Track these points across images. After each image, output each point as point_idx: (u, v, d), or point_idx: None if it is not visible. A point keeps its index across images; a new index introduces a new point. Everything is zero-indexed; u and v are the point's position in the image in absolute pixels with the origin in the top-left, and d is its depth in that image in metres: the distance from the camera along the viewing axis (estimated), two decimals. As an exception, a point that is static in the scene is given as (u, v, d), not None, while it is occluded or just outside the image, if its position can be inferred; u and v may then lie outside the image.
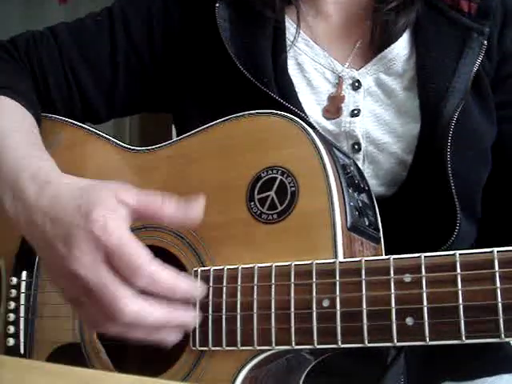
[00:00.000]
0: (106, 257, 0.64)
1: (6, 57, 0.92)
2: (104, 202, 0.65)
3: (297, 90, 0.87)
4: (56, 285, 0.72)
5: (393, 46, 0.86)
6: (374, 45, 0.87)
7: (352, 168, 0.76)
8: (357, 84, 0.87)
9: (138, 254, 0.64)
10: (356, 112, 0.86)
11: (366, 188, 0.78)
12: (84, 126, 0.90)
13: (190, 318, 0.69)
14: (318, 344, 0.64)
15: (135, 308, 0.64)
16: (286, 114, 0.74)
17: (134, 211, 0.67)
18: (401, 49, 0.87)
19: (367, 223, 0.74)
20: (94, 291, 0.64)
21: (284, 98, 0.83)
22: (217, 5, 0.87)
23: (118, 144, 0.86)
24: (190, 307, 0.69)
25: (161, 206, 0.67)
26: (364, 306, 0.63)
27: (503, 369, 0.89)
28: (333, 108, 0.87)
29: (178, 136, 0.85)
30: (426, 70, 0.84)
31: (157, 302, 0.65)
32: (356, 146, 0.85)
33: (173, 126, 2.19)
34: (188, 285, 0.67)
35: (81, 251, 0.64)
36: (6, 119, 0.81)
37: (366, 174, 0.83)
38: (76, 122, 0.90)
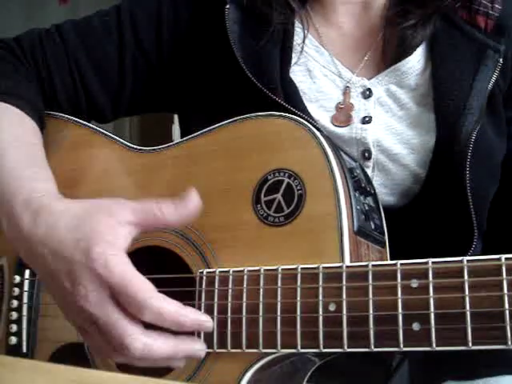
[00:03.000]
0: (111, 293, 0.65)
1: (10, 57, 0.91)
2: (102, 234, 0.65)
3: (305, 96, 0.87)
4: (61, 310, 0.72)
5: (407, 59, 0.86)
6: (387, 56, 0.87)
7: (358, 171, 0.76)
8: (368, 92, 0.87)
9: (142, 290, 0.64)
10: (367, 119, 0.86)
11: (372, 191, 0.78)
12: (89, 124, 0.89)
13: (197, 349, 0.69)
14: (323, 348, 0.64)
15: (140, 346, 0.64)
16: (293, 116, 0.74)
17: (136, 227, 0.67)
18: (415, 62, 0.86)
19: (373, 227, 0.74)
20: (101, 326, 0.65)
21: (290, 103, 0.83)
22: (227, 7, 0.87)
23: (124, 143, 0.85)
24: (197, 339, 0.70)
25: (160, 212, 0.67)
26: (370, 311, 0.63)
27: (506, 369, 0.89)
28: (343, 117, 0.86)
29: (182, 136, 0.85)
30: (443, 85, 0.83)
31: (163, 337, 0.66)
32: (366, 154, 0.85)
33: (173, 126, 2.21)
34: (194, 317, 0.68)
35: (85, 289, 0.65)
36: (6, 131, 0.80)
37: (375, 182, 0.83)
38: (81, 121, 0.89)
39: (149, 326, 0.66)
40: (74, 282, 0.65)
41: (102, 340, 0.66)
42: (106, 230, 0.66)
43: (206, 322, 0.69)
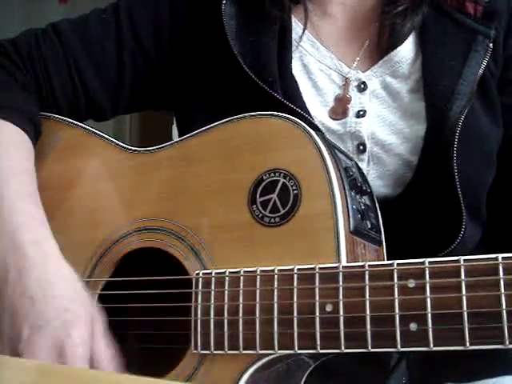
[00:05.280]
0: None
1: (6, 62, 0.90)
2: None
3: (301, 90, 0.86)
4: None
5: (399, 48, 0.86)
6: (381, 47, 0.87)
7: (354, 170, 0.76)
8: (362, 86, 0.86)
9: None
10: (362, 113, 0.85)
11: (368, 190, 0.78)
12: (83, 125, 0.89)
13: None
14: (321, 349, 0.64)
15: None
16: (288, 115, 0.73)
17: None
18: (407, 51, 0.86)
19: (369, 226, 0.74)
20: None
21: (288, 98, 0.83)
22: (223, 2, 0.87)
23: (118, 144, 0.85)
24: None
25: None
26: (367, 312, 0.62)
27: (505, 370, 0.88)
28: (339, 109, 0.86)
29: (179, 135, 0.85)
30: (432, 72, 0.84)
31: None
32: (361, 147, 0.85)
33: (173, 126, 2.20)
34: None
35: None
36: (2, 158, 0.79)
37: (370, 175, 0.83)
38: (75, 122, 0.89)
39: None
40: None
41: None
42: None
43: None
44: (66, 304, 0.68)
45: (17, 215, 0.74)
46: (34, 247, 0.71)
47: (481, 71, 0.82)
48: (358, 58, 0.88)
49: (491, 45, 0.83)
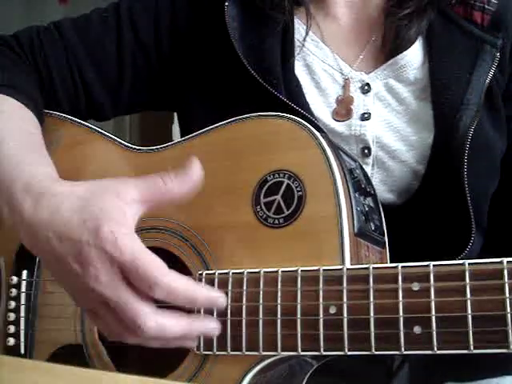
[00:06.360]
0: (122, 272, 0.63)
1: (9, 52, 0.91)
2: (110, 214, 0.63)
3: (305, 91, 0.86)
4: (70, 296, 0.70)
5: (405, 52, 0.85)
6: (385, 50, 0.87)
7: (358, 171, 0.76)
8: (366, 87, 0.86)
9: (153, 267, 0.62)
10: (366, 116, 0.85)
11: (372, 192, 0.78)
12: (86, 123, 0.89)
13: (211, 328, 0.68)
14: (324, 351, 0.64)
15: (153, 324, 0.63)
16: (293, 116, 0.73)
17: (143, 204, 0.66)
18: (413, 56, 0.86)
19: (373, 228, 0.74)
20: (113, 306, 0.64)
21: (292, 99, 0.83)
22: (226, 4, 0.87)
23: (121, 143, 0.85)
24: (211, 316, 0.69)
25: (164, 186, 0.66)
26: (371, 314, 0.62)
27: (507, 369, 0.89)
28: (343, 110, 0.86)
29: (182, 136, 0.85)
30: (441, 81, 0.83)
31: (176, 315, 0.65)
32: (366, 151, 0.84)
33: (173, 126, 2.20)
34: (207, 294, 0.66)
35: (95, 269, 0.63)
36: (4, 122, 0.79)
37: (374, 180, 0.83)
38: (78, 120, 0.89)
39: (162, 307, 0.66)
40: (83, 263, 0.63)
41: (115, 321, 0.65)
42: (113, 210, 0.64)
43: (218, 297, 0.67)
44: (82, 216, 0.64)
45: (13, 166, 0.72)
46: (26, 194, 0.68)
47: (488, 81, 0.82)
48: (361, 57, 0.88)
49: (498, 54, 0.83)
